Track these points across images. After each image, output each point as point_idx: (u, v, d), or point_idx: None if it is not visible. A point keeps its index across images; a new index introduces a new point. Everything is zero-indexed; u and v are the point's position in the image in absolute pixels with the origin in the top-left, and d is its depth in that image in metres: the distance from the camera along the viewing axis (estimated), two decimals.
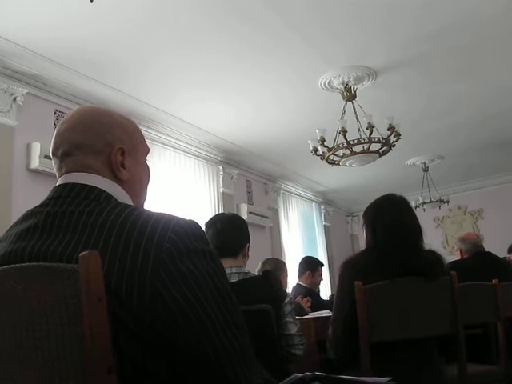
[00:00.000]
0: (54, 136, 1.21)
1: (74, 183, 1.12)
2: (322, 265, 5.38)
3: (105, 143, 1.18)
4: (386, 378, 1.31)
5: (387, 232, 2.32)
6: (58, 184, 1.15)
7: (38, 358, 0.92)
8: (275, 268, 4.37)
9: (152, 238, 0.95)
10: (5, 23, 3.83)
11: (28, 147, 4.40)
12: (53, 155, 1.20)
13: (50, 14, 3.75)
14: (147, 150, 1.31)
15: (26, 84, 4.46)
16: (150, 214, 1.02)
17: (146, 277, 0.92)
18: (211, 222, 2.59)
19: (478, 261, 3.63)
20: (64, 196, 1.10)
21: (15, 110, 4.35)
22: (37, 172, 4.41)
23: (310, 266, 5.19)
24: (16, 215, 1.14)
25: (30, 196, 4.07)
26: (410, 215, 2.38)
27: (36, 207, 1.12)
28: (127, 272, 0.92)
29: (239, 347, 0.97)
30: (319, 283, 5.36)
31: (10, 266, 0.98)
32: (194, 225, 1.02)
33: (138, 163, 1.25)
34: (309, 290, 5.03)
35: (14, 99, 4.34)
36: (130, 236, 0.96)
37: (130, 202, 1.18)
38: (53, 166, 1.22)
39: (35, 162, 4.36)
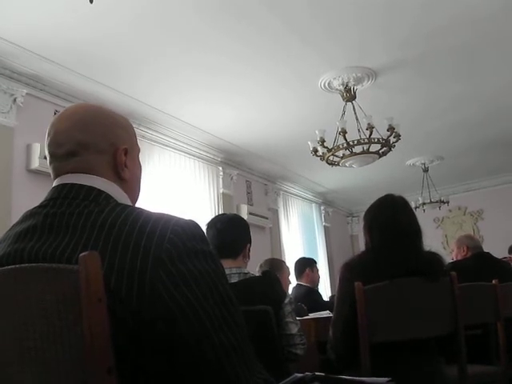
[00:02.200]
0: (52, 134, 1.19)
1: (72, 183, 1.12)
2: (316, 261, 5.45)
3: (109, 143, 1.18)
4: (386, 379, 1.31)
5: (383, 232, 2.32)
6: (56, 184, 1.15)
7: (38, 359, 0.92)
8: (271, 268, 4.37)
9: (151, 239, 0.95)
10: (5, 24, 3.83)
11: (28, 148, 4.40)
12: (51, 153, 1.19)
13: (50, 15, 3.75)
14: (139, 149, 1.33)
15: (25, 84, 4.46)
16: (150, 214, 1.02)
17: (145, 277, 0.92)
18: (212, 223, 2.60)
19: (478, 261, 3.64)
20: (63, 197, 1.09)
21: (15, 110, 4.35)
22: (36, 173, 4.40)
23: (307, 263, 5.27)
24: (16, 215, 1.14)
25: (30, 196, 4.07)
26: (407, 215, 2.37)
27: (35, 208, 1.11)
28: (127, 272, 0.92)
29: (239, 347, 0.96)
30: (319, 280, 5.39)
31: (10, 266, 0.98)
32: (193, 225, 1.02)
33: (135, 162, 1.27)
34: (310, 288, 5.05)
35: (14, 100, 4.34)
36: (129, 236, 0.96)
37: (128, 201, 1.19)
38: (48, 164, 1.21)
39: (35, 163, 4.36)
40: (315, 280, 5.25)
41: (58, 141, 1.18)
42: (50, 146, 1.19)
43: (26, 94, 4.45)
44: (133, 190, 1.24)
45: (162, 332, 0.91)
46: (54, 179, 1.17)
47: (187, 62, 4.60)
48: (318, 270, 5.35)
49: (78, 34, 4.01)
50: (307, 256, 6.10)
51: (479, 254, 3.80)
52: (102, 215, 1.02)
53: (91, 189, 1.10)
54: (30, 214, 1.10)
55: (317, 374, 1.18)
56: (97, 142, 1.17)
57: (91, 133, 1.17)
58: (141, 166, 1.31)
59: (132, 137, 1.27)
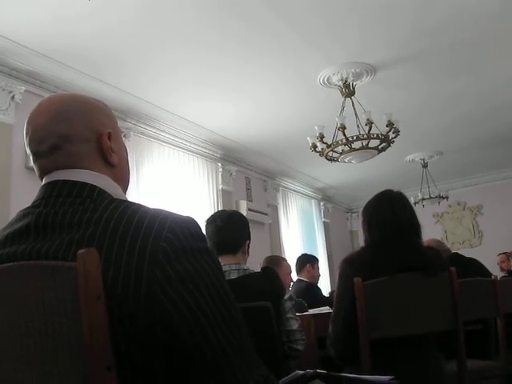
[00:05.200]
0: (30, 131, 1.14)
1: (64, 180, 1.08)
2: (317, 259, 5.46)
3: (92, 130, 1.14)
4: (388, 377, 1.30)
5: (381, 228, 2.32)
6: (46, 182, 1.11)
7: (38, 356, 0.92)
8: (269, 265, 4.36)
9: (148, 237, 0.93)
10: (2, 20, 3.81)
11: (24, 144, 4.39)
12: (34, 152, 1.14)
13: (48, 12, 3.74)
14: (121, 131, 1.29)
15: (24, 81, 4.45)
16: (146, 211, 0.99)
17: (141, 276, 0.90)
18: (212, 219, 2.60)
19: (453, 263, 3.65)
20: (56, 195, 1.06)
21: (13, 107, 4.34)
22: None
23: (308, 259, 5.28)
24: (14, 213, 1.12)
25: (29, 194, 4.03)
26: (405, 210, 2.37)
27: (28, 208, 1.08)
28: (123, 271, 0.91)
29: (238, 346, 0.95)
30: (319, 278, 5.40)
31: (9, 264, 0.97)
32: (190, 222, 1.00)
33: (120, 145, 1.23)
34: (310, 283, 5.06)
35: (13, 97, 4.34)
36: (125, 234, 0.94)
37: (121, 191, 1.16)
38: (32, 163, 1.16)
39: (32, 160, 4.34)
40: (315, 276, 5.26)
41: (38, 137, 1.12)
42: (30, 144, 1.14)
43: (25, 91, 4.44)
44: (123, 174, 1.21)
45: (159, 332, 0.90)
46: (42, 177, 1.13)
47: (186, 59, 4.59)
48: (318, 268, 5.36)
49: (76, 30, 4.00)
50: (307, 252, 6.13)
51: (451, 256, 3.81)
52: (98, 212, 1.00)
53: (84, 185, 1.07)
54: (23, 215, 1.07)
55: (318, 371, 1.18)
56: (79, 132, 1.12)
57: (72, 123, 1.12)
58: (126, 148, 1.27)
59: (112, 119, 1.23)
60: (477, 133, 7.14)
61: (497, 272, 6.41)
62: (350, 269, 2.28)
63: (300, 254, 5.63)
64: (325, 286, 8.51)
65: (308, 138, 5.37)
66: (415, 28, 4.40)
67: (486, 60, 5.08)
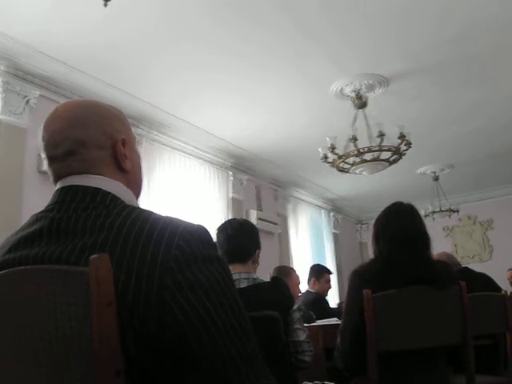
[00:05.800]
0: (46, 136, 1.15)
1: (77, 186, 1.09)
2: (329, 272, 5.40)
3: (107, 136, 1.15)
4: None
5: (390, 240, 2.31)
6: (60, 187, 1.12)
7: (47, 360, 0.92)
8: (279, 275, 4.36)
9: (159, 245, 0.94)
10: (19, 26, 3.85)
11: (40, 149, 4.41)
12: (49, 156, 1.16)
13: (64, 18, 3.78)
14: (134, 137, 1.29)
15: (38, 86, 4.48)
16: (158, 218, 1.00)
17: (152, 283, 0.91)
18: (222, 227, 2.60)
19: (463, 276, 3.63)
20: (69, 200, 1.07)
21: (28, 111, 4.37)
22: (48, 174, 4.41)
23: (315, 272, 5.26)
24: (26, 216, 1.12)
25: (41, 198, 4.05)
26: (415, 223, 2.36)
27: (41, 212, 1.09)
28: (134, 277, 0.91)
29: (246, 354, 0.95)
30: (327, 290, 5.36)
31: (21, 267, 0.98)
32: (201, 230, 1.01)
33: (134, 151, 1.23)
34: (317, 296, 5.04)
35: (27, 101, 4.37)
36: (137, 241, 0.95)
37: (133, 197, 1.17)
38: (46, 167, 1.17)
39: (47, 164, 4.36)
40: (323, 289, 5.24)
41: (54, 142, 1.14)
42: (46, 148, 1.16)
43: (39, 95, 4.47)
44: (136, 180, 1.22)
45: (168, 339, 0.90)
46: (56, 181, 1.15)
47: (200, 66, 4.60)
48: (327, 281, 5.29)
49: (91, 36, 4.03)
50: (316, 263, 6.10)
51: (461, 270, 3.79)
52: (110, 218, 1.00)
53: (97, 190, 1.08)
54: (37, 219, 1.07)
55: (326, 382, 1.18)
56: (94, 138, 1.13)
57: (87, 129, 1.13)
58: (139, 154, 1.27)
59: (127, 126, 1.24)
60: (490, 146, 7.10)
61: (507, 287, 6.36)
62: (359, 281, 2.27)
63: (312, 264, 5.59)
64: (333, 297, 8.47)
65: (319, 149, 5.37)
66: (430, 40, 4.40)
67: (502, 73, 5.06)
